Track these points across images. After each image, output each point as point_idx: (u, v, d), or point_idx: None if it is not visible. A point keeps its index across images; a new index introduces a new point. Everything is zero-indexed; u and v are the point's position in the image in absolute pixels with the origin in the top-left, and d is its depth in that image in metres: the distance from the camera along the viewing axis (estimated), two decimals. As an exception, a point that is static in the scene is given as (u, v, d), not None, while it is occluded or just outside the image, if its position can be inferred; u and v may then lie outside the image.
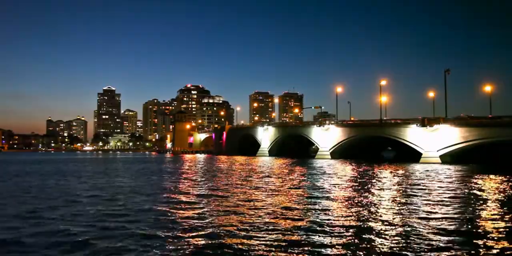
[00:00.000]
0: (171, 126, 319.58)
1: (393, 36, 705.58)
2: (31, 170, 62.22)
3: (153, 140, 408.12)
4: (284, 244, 14.79)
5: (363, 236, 15.95)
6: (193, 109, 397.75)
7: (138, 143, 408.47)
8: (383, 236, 15.95)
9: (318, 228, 17.30)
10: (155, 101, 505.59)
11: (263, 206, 23.60)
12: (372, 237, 15.81)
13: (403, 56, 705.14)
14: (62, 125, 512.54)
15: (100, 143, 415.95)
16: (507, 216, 20.20)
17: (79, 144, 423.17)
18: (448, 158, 75.11)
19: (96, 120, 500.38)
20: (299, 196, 28.15)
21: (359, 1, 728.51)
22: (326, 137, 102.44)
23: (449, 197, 27.17)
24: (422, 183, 36.88)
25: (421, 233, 16.36)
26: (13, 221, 19.54)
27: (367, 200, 25.94)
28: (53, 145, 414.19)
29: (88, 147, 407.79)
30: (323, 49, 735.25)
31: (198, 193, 30.36)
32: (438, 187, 33.88)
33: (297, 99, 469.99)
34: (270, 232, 16.60)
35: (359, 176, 45.65)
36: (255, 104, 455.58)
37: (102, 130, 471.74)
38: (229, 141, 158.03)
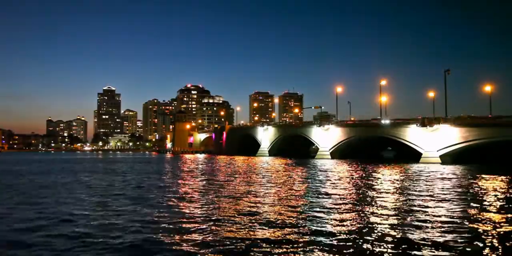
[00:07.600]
0: (171, 126, 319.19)
1: (393, 36, 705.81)
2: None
3: (153, 140, 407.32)
4: (284, 245, 14.76)
5: (363, 236, 15.93)
6: (193, 109, 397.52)
7: (138, 143, 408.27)
8: (383, 237, 15.93)
9: (318, 229, 17.28)
10: (155, 101, 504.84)
11: (262, 207, 23.56)
12: (372, 237, 15.79)
13: (403, 56, 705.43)
14: (62, 125, 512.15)
15: (100, 143, 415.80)
16: (507, 217, 20.17)
17: (79, 144, 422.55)
18: (448, 158, 75.00)
19: (96, 120, 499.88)
20: (299, 197, 28.10)
21: (359, 1, 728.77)
22: (326, 137, 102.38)
23: (449, 198, 27.14)
24: (422, 184, 36.85)
25: (421, 233, 16.33)
26: None
27: (366, 201, 25.91)
28: (53, 145, 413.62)
29: (88, 147, 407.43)
30: (323, 49, 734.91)
31: (195, 195, 30.33)
32: (438, 187, 33.85)
33: (297, 99, 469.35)
34: (270, 233, 16.57)
35: (359, 176, 45.62)
36: (255, 104, 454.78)
37: (102, 130, 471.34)
38: (229, 141, 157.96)
